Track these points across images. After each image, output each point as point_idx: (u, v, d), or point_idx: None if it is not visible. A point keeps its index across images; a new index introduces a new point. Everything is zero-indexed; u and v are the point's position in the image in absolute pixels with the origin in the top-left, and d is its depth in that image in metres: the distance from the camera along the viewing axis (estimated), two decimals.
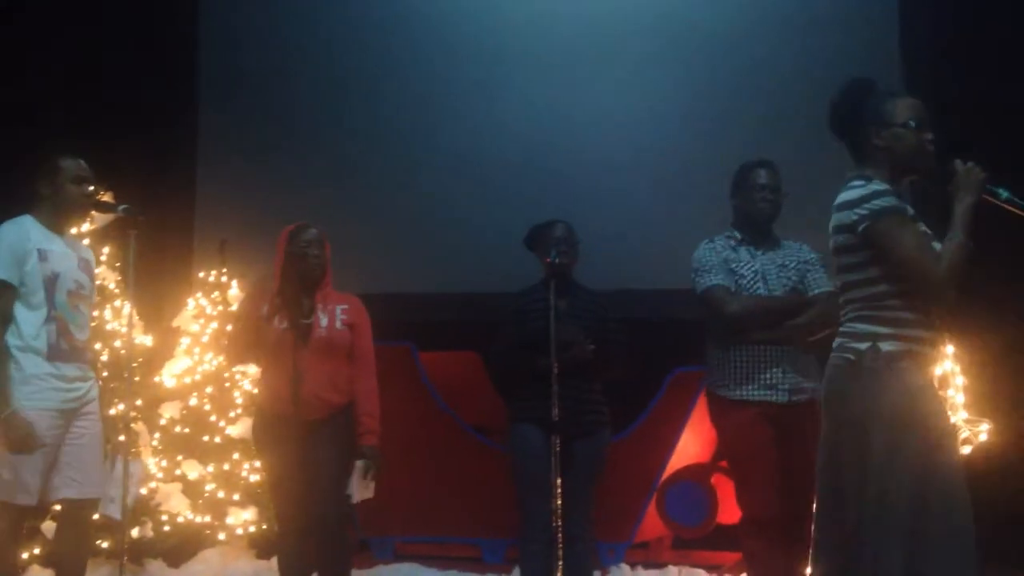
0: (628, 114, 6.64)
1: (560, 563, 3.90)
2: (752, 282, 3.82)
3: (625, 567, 5.25)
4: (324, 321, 4.09)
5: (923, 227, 2.91)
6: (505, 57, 6.85)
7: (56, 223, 3.88)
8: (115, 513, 4.13)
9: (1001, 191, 2.85)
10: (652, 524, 5.55)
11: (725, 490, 5.45)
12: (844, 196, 2.90)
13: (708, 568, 5.19)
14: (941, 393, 2.82)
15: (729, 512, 5.44)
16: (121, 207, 3.96)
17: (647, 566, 5.28)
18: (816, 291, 3.84)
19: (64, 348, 3.78)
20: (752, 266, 3.85)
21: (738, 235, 3.92)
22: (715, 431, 4.06)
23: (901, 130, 2.90)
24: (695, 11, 6.69)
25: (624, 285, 5.68)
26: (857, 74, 3.10)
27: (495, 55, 6.87)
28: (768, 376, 3.74)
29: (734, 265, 3.84)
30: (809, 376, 3.77)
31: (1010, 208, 2.83)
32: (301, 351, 3.99)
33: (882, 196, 2.85)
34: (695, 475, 5.51)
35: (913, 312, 2.83)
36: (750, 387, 3.75)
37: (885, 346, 2.80)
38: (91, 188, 3.91)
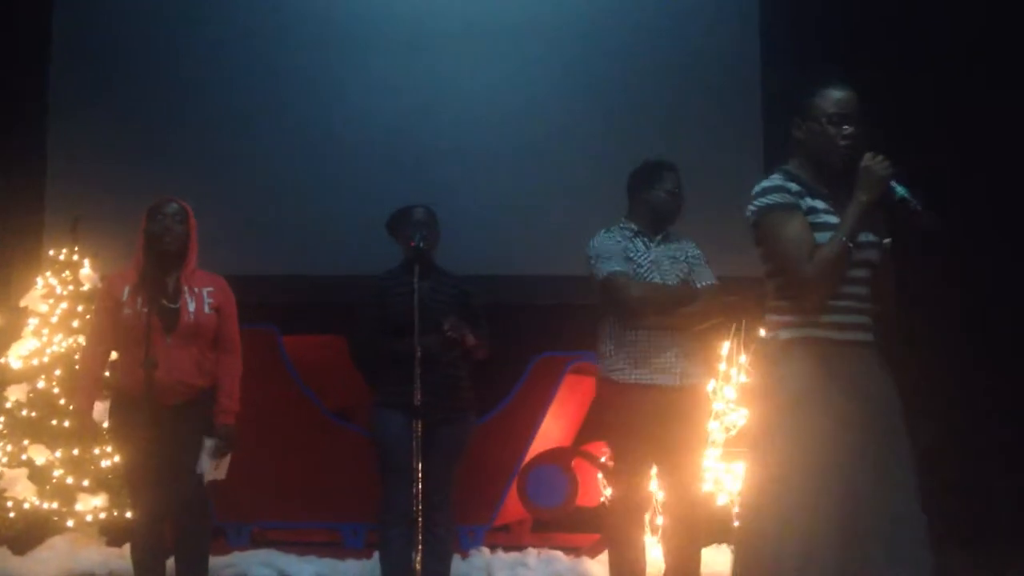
0: (495, 99, 6.69)
1: (420, 547, 3.91)
2: (648, 271, 3.98)
3: (485, 550, 5.30)
4: (191, 305, 3.99)
5: (831, 219, 2.92)
6: (371, 39, 6.82)
7: None
8: None
9: (899, 189, 2.84)
10: (513, 507, 5.62)
11: (585, 474, 5.56)
12: (752, 191, 2.99)
13: (567, 550, 5.28)
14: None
15: (588, 495, 5.56)
16: None
17: (507, 549, 5.34)
18: (701, 284, 4.04)
19: None
20: (648, 256, 4.01)
21: (634, 227, 4.06)
22: (600, 413, 4.14)
23: (815, 123, 2.95)
24: None
25: (488, 271, 5.72)
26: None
27: (362, 36, 6.84)
28: (662, 360, 3.90)
29: (631, 254, 3.99)
30: (698, 362, 4.01)
31: (901, 208, 2.85)
32: (166, 336, 3.90)
33: (772, 192, 2.93)
34: (556, 459, 5.60)
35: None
36: (645, 370, 3.89)
37: (783, 334, 2.92)
38: None
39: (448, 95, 6.70)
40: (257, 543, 5.54)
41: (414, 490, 3.91)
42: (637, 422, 3.88)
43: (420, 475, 3.92)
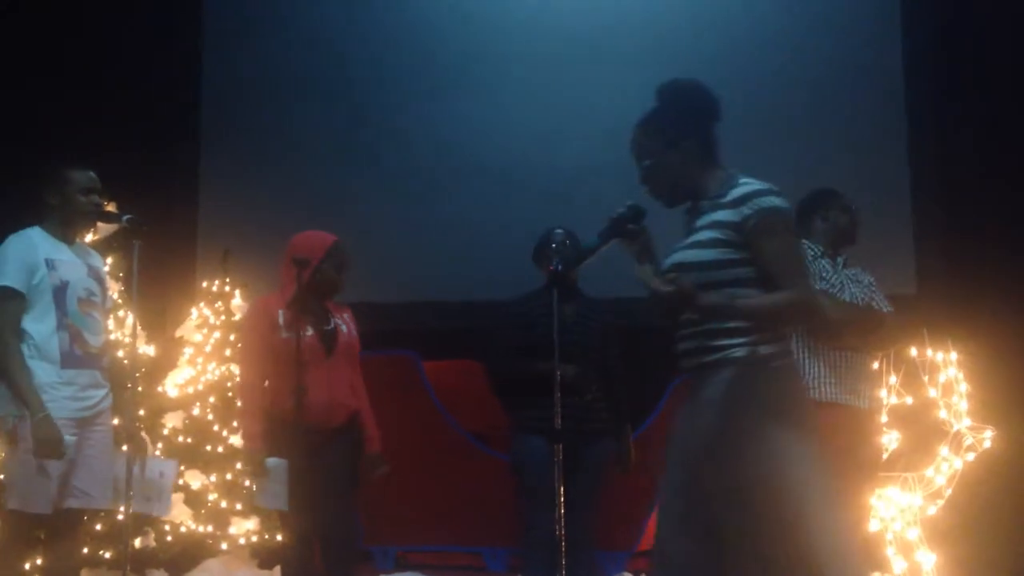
0: (629, 116, 6.65)
1: (562, 572, 3.89)
2: (839, 292, 3.96)
3: (627, 575, 5.24)
4: (344, 327, 4.14)
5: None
6: (502, 67, 6.87)
7: (64, 233, 3.88)
8: (161, 511, 4.14)
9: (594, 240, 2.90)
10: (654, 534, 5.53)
11: None
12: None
13: None
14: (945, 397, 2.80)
15: None
16: (125, 217, 3.96)
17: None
18: (884, 310, 4.02)
19: (78, 355, 3.78)
20: (836, 277, 4.00)
21: (818, 248, 4.04)
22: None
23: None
24: (688, 10, 6.75)
25: (626, 293, 5.68)
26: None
27: (500, 58, 6.89)
28: (853, 381, 3.88)
29: (822, 274, 3.97)
30: (878, 386, 4.13)
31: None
32: (327, 357, 4.02)
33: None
34: None
35: None
36: (838, 390, 3.86)
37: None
38: (98, 199, 3.91)
39: (582, 116, 6.69)
40: (402, 566, 5.62)
41: (556, 514, 3.90)
42: (834, 441, 3.80)
43: (562, 499, 3.91)
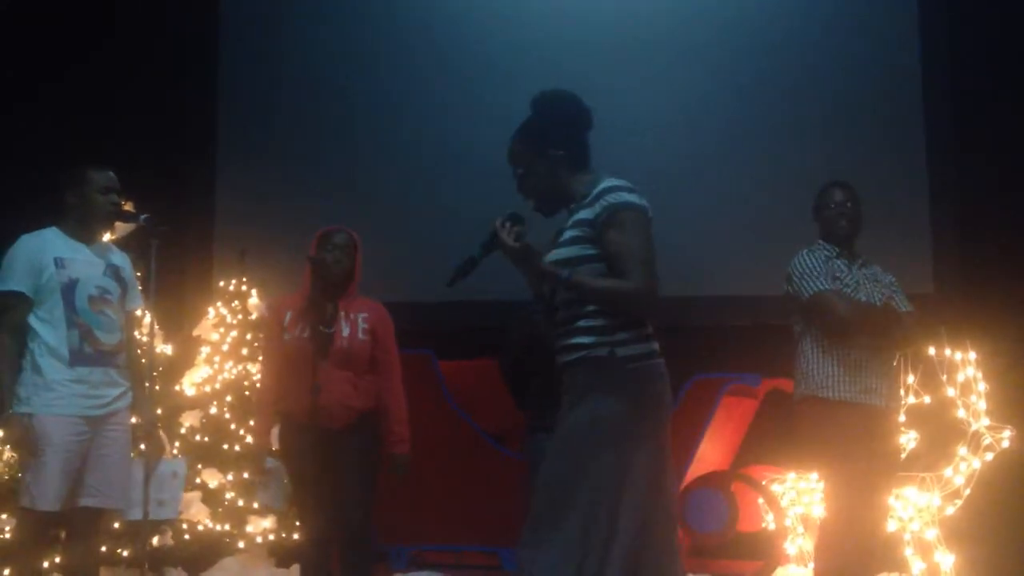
0: (662, 117, 6.63)
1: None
2: (854, 292, 3.94)
3: None
4: (346, 331, 4.10)
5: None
6: (533, 64, 6.81)
7: (82, 232, 3.90)
8: (172, 514, 4.17)
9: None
10: None
11: (745, 498, 5.43)
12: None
13: None
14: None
15: (749, 520, 5.43)
16: (142, 217, 3.99)
17: None
18: (903, 309, 4.01)
19: (88, 353, 3.79)
20: (852, 277, 3.98)
21: (833, 248, 4.03)
22: (805, 433, 4.03)
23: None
24: (732, 9, 6.73)
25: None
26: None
27: (519, 57, 6.84)
28: (870, 380, 3.86)
29: (837, 274, 3.96)
30: (897, 385, 4.04)
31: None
32: (321, 360, 4.01)
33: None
34: (715, 483, 5.49)
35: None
36: (854, 389, 3.85)
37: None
38: (117, 198, 3.93)
39: (610, 115, 6.67)
40: (417, 566, 5.62)
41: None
42: (851, 439, 3.79)
43: None
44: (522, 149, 3.06)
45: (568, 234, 2.94)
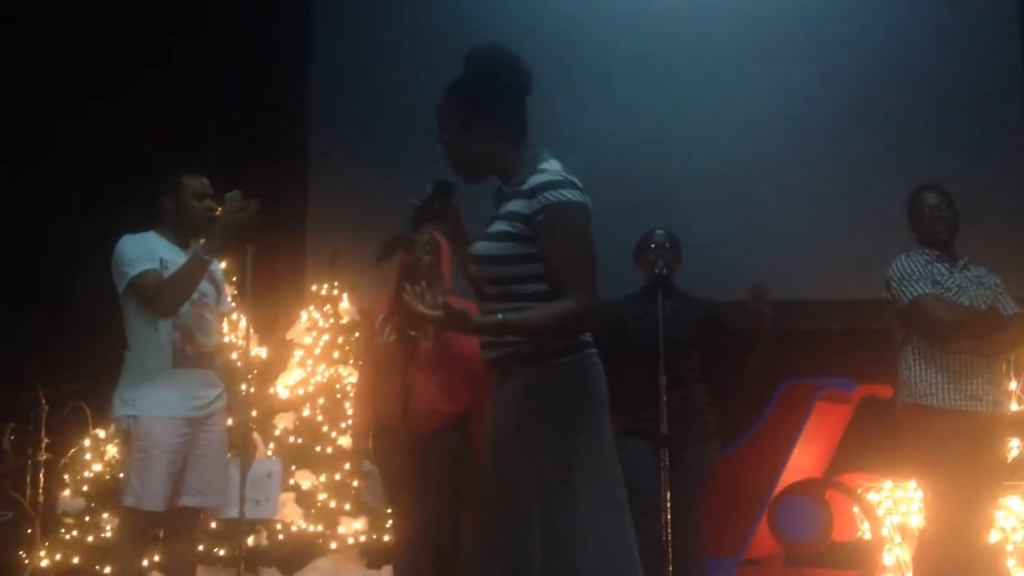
0: (764, 118, 6.55)
1: None
2: (956, 295, 3.87)
3: None
4: (432, 332, 4.12)
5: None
6: (609, 67, 6.79)
7: (178, 237, 3.98)
8: (269, 512, 4.23)
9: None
10: (763, 540, 5.44)
11: (840, 506, 5.31)
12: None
13: None
14: None
15: (844, 529, 5.31)
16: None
17: None
18: (1007, 312, 3.92)
19: (189, 354, 3.86)
20: (953, 280, 3.90)
21: (933, 252, 3.97)
22: (908, 442, 3.97)
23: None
24: (819, 10, 6.63)
25: (728, 296, 5.61)
26: None
27: (600, 58, 6.79)
28: (974, 386, 3.79)
29: (937, 278, 3.89)
30: (1003, 390, 3.96)
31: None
32: (409, 364, 4.02)
33: None
34: (809, 490, 5.38)
35: None
36: (958, 396, 3.78)
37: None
38: (211, 204, 4.00)
39: (696, 117, 6.61)
40: None
41: (662, 520, 3.86)
42: (954, 448, 3.70)
43: (668, 504, 3.86)
44: (450, 115, 2.75)
45: (499, 227, 2.66)
